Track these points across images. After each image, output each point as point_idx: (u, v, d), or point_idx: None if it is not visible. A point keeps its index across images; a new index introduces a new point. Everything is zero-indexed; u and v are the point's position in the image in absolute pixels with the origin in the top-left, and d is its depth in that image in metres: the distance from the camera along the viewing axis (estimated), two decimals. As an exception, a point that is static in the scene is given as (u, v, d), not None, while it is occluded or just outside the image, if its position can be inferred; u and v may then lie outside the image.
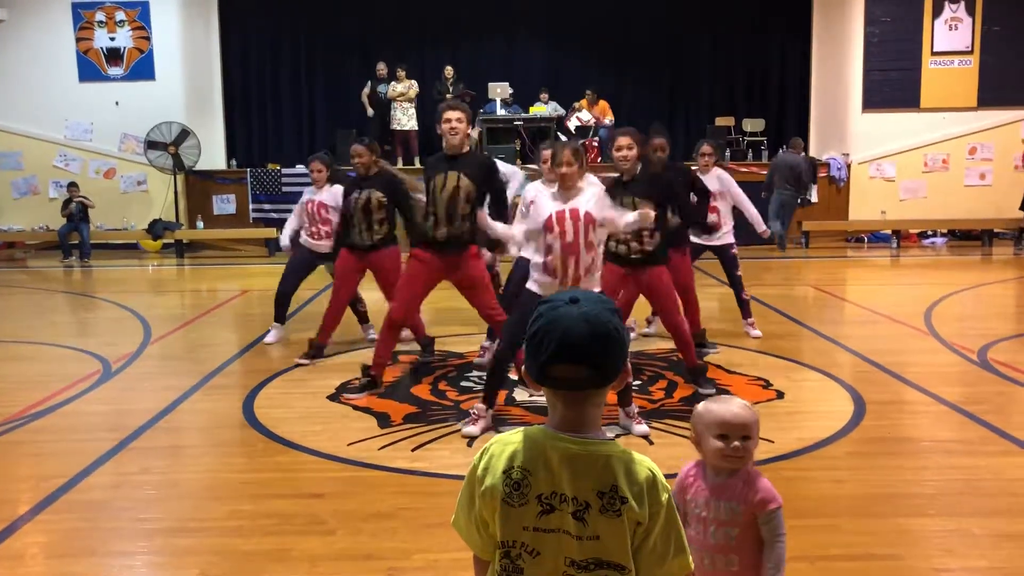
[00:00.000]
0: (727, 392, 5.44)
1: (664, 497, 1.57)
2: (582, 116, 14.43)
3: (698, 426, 2.25)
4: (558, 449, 1.56)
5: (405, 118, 14.47)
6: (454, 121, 5.09)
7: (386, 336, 5.47)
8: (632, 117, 13.70)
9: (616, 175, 5.30)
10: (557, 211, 4.46)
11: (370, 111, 14.66)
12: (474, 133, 14.23)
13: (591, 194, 4.57)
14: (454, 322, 7.41)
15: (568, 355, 1.51)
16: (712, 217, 6.70)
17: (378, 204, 6.19)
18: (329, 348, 6.55)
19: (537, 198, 4.77)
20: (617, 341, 1.53)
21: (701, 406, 2.28)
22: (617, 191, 5.15)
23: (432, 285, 5.46)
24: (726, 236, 6.95)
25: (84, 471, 4.22)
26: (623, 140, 5.25)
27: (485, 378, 4.94)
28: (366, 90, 14.74)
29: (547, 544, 1.56)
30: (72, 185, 13.79)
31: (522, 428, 1.64)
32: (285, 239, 7.34)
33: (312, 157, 7.22)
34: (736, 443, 2.18)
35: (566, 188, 4.53)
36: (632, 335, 6.65)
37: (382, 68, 14.61)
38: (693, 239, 6.63)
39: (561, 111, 14.71)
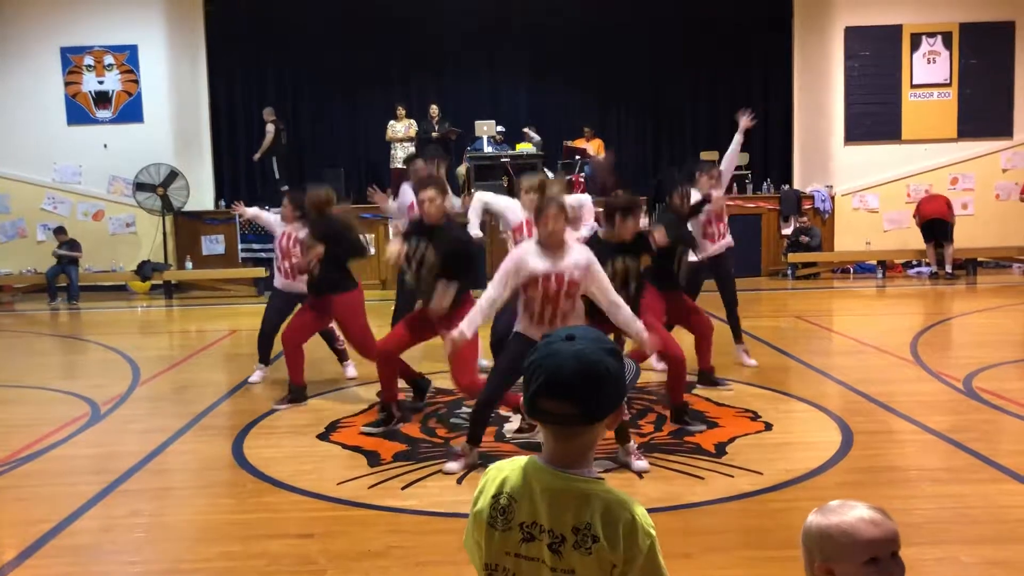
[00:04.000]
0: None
1: (645, 543, 1.56)
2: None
3: (826, 551, 1.63)
4: (542, 481, 1.60)
5: (406, 156, 14.49)
6: (427, 202, 5.34)
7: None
8: (616, 153, 13.81)
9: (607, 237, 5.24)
10: (543, 274, 4.43)
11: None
12: (462, 170, 14.39)
13: (577, 260, 4.49)
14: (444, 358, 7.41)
15: (555, 391, 1.53)
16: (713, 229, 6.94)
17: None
18: (311, 389, 6.52)
19: (522, 257, 4.54)
20: (608, 380, 1.54)
21: (824, 526, 1.64)
22: (608, 251, 5.10)
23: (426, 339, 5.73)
24: (725, 243, 7.08)
25: (72, 515, 4.20)
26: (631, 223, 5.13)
27: (470, 419, 4.93)
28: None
29: (526, 572, 1.60)
30: (60, 230, 13.72)
31: (522, 457, 1.67)
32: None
33: (287, 193, 7.15)
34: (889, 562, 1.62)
35: (552, 247, 4.47)
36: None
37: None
38: (693, 257, 6.55)
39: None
